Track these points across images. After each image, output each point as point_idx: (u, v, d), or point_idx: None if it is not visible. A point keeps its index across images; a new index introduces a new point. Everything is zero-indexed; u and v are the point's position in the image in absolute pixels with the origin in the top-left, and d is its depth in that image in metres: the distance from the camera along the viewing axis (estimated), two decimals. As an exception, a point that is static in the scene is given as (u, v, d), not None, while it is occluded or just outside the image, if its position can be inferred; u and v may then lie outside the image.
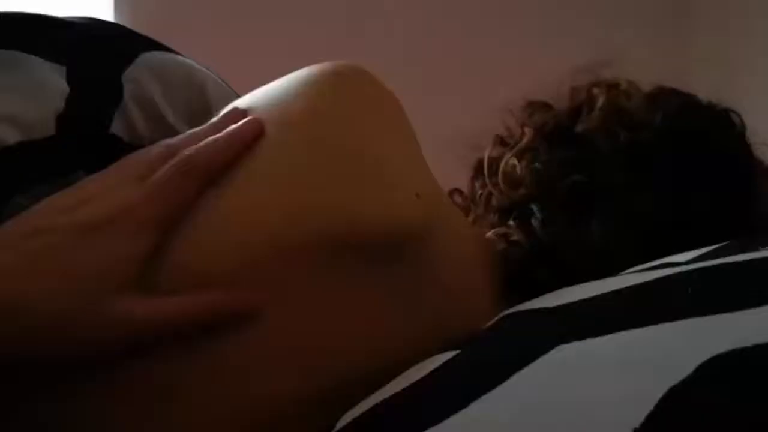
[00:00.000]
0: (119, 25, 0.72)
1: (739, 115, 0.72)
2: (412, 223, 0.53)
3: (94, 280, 0.46)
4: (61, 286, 0.45)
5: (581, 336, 0.41)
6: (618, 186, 0.64)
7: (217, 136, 0.52)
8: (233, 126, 0.53)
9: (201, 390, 0.49)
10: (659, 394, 0.34)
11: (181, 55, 0.69)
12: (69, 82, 0.58)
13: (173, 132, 0.65)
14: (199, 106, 0.67)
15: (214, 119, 0.55)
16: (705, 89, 0.74)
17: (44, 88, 0.58)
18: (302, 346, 0.50)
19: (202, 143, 0.51)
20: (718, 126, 0.70)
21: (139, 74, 0.62)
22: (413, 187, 0.54)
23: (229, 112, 0.55)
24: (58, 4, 2.05)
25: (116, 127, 0.62)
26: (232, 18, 2.07)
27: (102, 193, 0.49)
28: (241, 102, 0.63)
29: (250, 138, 0.52)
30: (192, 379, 0.49)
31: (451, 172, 0.73)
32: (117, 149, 0.62)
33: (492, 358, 0.45)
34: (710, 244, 0.51)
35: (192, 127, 0.65)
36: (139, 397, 0.48)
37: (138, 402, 0.49)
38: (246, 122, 0.53)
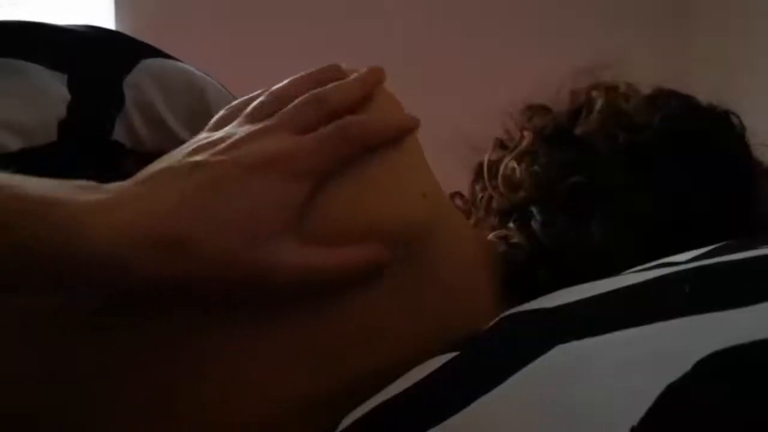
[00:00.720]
0: (119, 32, 0.72)
1: (738, 117, 0.72)
2: (417, 223, 0.53)
3: (260, 222, 0.46)
4: (227, 225, 0.45)
5: (580, 336, 0.41)
6: (617, 187, 0.64)
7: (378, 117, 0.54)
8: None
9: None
10: (657, 392, 0.34)
11: (181, 62, 0.69)
12: (70, 89, 0.59)
13: (175, 137, 0.65)
14: (200, 111, 0.67)
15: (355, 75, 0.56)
16: (705, 90, 0.74)
17: (45, 95, 0.58)
18: (313, 345, 0.50)
19: (362, 119, 0.53)
20: (718, 127, 0.70)
21: (139, 80, 0.63)
22: (420, 187, 0.55)
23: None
24: (59, 12, 2.07)
25: (118, 133, 0.62)
26: (232, 24, 2.07)
27: (252, 137, 0.49)
28: None
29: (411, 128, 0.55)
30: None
31: (451, 174, 0.74)
32: (119, 155, 0.63)
33: (492, 358, 0.45)
34: (710, 245, 0.51)
35: (193, 133, 0.66)
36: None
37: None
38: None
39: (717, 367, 0.34)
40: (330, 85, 0.54)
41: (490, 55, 2.12)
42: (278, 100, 0.53)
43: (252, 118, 0.52)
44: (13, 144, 0.56)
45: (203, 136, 0.51)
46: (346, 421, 0.47)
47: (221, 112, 0.55)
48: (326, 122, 0.51)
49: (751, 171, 0.70)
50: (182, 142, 0.65)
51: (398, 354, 0.51)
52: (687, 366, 0.35)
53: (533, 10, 2.20)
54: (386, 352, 0.52)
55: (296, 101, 0.52)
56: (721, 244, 0.51)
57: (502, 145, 0.73)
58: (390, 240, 0.51)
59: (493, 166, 0.71)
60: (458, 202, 0.75)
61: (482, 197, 0.71)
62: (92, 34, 0.66)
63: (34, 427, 0.48)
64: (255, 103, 0.53)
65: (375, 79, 0.56)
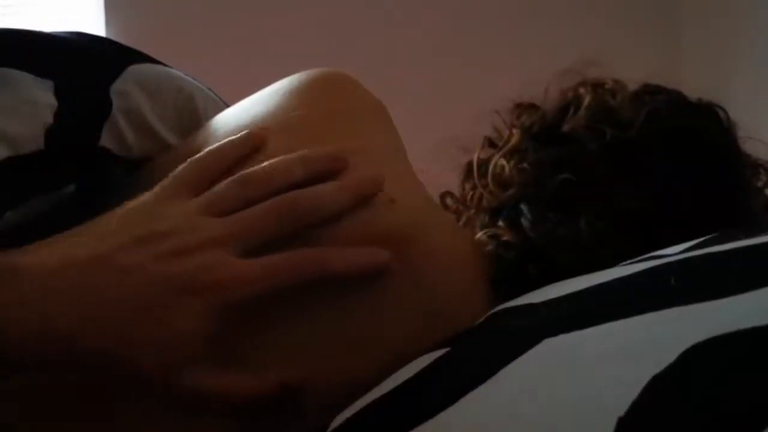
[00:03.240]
0: (106, 38, 0.72)
1: (725, 111, 0.72)
2: (388, 227, 0.54)
3: (177, 350, 0.45)
4: (146, 346, 0.45)
5: (567, 329, 0.41)
6: (605, 183, 0.64)
7: (336, 186, 0.51)
8: (355, 179, 0.52)
9: None
10: (643, 383, 0.34)
11: (170, 67, 0.69)
12: (57, 96, 0.59)
13: (163, 143, 0.65)
14: (188, 117, 0.67)
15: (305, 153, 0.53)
16: (694, 85, 0.75)
17: (32, 103, 0.58)
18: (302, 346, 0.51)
19: (317, 191, 0.50)
20: (705, 122, 0.71)
21: (127, 87, 0.63)
22: (387, 192, 0.55)
23: (332, 153, 0.53)
24: (48, 19, 2.07)
25: (105, 140, 0.62)
26: (221, 30, 2.08)
27: (194, 250, 0.46)
28: (229, 113, 0.64)
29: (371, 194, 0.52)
30: None
31: (445, 174, 0.74)
32: (107, 161, 0.63)
33: (480, 354, 0.45)
34: (699, 239, 0.52)
35: (181, 138, 0.66)
36: None
37: None
38: (371, 180, 0.52)
39: (702, 357, 0.35)
40: (305, 192, 0.50)
41: (480, 55, 2.13)
42: (243, 188, 0.50)
43: (207, 209, 0.49)
44: (0, 152, 0.56)
45: (144, 218, 0.49)
46: (337, 421, 0.47)
47: (184, 165, 0.52)
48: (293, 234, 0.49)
49: (738, 165, 0.70)
50: (170, 147, 0.66)
51: (388, 354, 0.51)
52: (672, 357, 0.35)
53: (523, 9, 2.21)
54: (375, 354, 0.52)
55: (268, 205, 0.49)
56: (709, 236, 0.51)
57: (491, 143, 0.73)
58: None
59: (483, 164, 0.71)
60: (449, 201, 0.75)
61: (472, 196, 0.71)
62: (79, 41, 0.66)
63: None
64: (217, 189, 0.50)
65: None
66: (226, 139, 0.55)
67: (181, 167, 0.52)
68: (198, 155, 0.53)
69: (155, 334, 0.45)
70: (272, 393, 0.47)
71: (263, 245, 0.48)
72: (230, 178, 0.50)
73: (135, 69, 0.64)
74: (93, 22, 2.03)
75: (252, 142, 0.54)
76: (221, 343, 0.46)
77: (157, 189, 0.51)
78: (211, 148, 0.54)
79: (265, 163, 0.51)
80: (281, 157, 0.51)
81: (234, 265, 0.46)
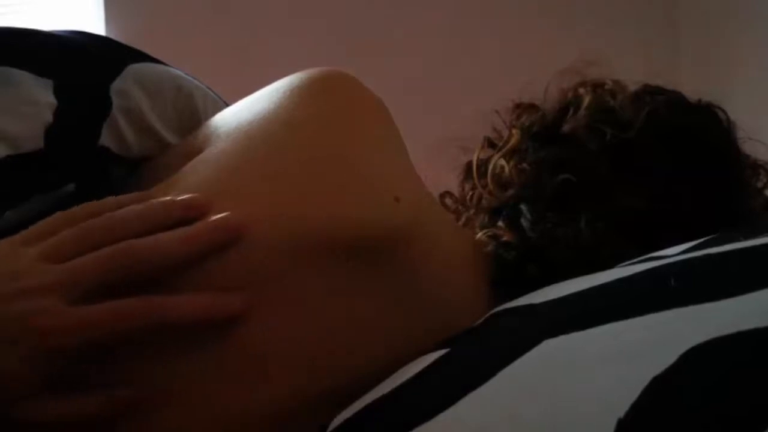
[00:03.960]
0: (106, 37, 0.72)
1: (724, 111, 0.72)
2: (390, 226, 0.54)
3: (8, 385, 0.45)
4: None
5: (566, 330, 0.41)
6: (605, 184, 0.64)
7: (180, 234, 0.50)
8: (208, 226, 0.50)
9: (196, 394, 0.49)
10: (643, 384, 0.34)
11: (170, 66, 0.69)
12: (56, 95, 0.59)
13: (162, 142, 0.65)
14: (188, 116, 0.67)
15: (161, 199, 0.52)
16: (694, 86, 0.75)
17: (32, 102, 0.58)
18: (290, 350, 0.51)
19: (156, 239, 0.49)
20: (705, 122, 0.71)
21: (126, 86, 0.63)
22: (391, 190, 0.55)
23: (185, 201, 0.52)
24: (48, 17, 2.07)
25: (105, 139, 0.62)
26: (221, 29, 2.08)
27: (29, 294, 0.46)
28: (229, 112, 0.64)
29: (223, 240, 0.50)
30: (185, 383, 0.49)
31: (444, 174, 0.74)
32: (106, 160, 0.63)
33: (480, 355, 0.45)
34: (699, 239, 0.52)
35: (181, 137, 0.66)
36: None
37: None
38: (226, 228, 0.51)
39: (701, 358, 0.35)
40: (141, 241, 0.49)
41: (480, 55, 2.13)
42: (84, 236, 0.50)
43: (47, 256, 0.49)
44: (0, 151, 0.56)
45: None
46: (337, 421, 0.47)
47: (31, 228, 0.52)
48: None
49: (738, 165, 0.70)
50: (170, 146, 0.66)
51: (388, 354, 0.51)
52: (672, 358, 0.35)
53: (523, 10, 2.21)
54: (376, 354, 0.52)
55: (101, 253, 0.48)
56: (709, 237, 0.51)
57: (490, 143, 0.73)
58: (365, 246, 0.52)
59: (482, 164, 0.71)
60: (448, 201, 0.75)
61: (472, 196, 0.71)
62: (79, 40, 0.66)
63: None
64: (59, 236, 0.50)
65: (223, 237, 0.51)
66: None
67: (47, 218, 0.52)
68: (68, 211, 0.52)
69: None
70: (119, 409, 0.48)
71: (107, 291, 0.48)
72: (74, 228, 0.50)
73: (135, 68, 0.64)
74: (92, 21, 2.03)
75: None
76: (65, 374, 0.47)
77: (21, 233, 0.51)
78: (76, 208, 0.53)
79: (107, 214, 0.51)
80: (124, 209, 0.51)
81: (58, 313, 0.46)
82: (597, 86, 0.72)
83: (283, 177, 0.54)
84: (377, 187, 0.55)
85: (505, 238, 0.64)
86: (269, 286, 0.50)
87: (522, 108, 0.74)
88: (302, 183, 0.53)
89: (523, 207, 0.65)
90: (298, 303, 0.51)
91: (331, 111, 0.58)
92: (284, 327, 0.50)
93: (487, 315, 0.51)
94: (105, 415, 0.48)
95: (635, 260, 0.50)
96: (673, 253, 0.49)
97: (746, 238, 0.46)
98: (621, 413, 0.33)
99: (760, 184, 0.71)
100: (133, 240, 0.49)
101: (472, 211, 0.71)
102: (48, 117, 0.58)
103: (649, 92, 0.71)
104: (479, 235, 0.66)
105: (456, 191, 0.75)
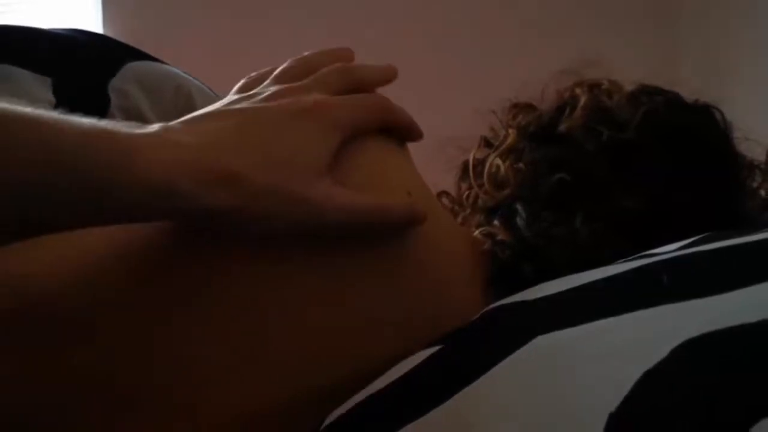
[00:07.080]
0: (104, 35, 0.72)
1: (721, 112, 0.72)
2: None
3: (306, 161, 0.49)
4: (278, 162, 0.48)
5: (559, 326, 0.41)
6: (601, 183, 0.64)
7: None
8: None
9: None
10: (634, 379, 0.34)
11: (168, 64, 0.70)
12: (55, 93, 0.59)
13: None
14: (185, 114, 0.67)
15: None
16: (691, 86, 0.75)
17: (31, 100, 0.58)
18: (284, 347, 0.51)
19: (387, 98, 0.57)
20: (701, 122, 0.71)
21: (124, 84, 0.63)
22: (405, 185, 0.55)
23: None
24: (46, 16, 2.07)
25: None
26: (219, 27, 2.08)
27: (288, 92, 0.53)
28: None
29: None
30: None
31: (439, 173, 0.74)
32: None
33: (473, 351, 0.46)
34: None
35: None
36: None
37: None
38: None
39: (693, 353, 0.35)
40: (356, 63, 0.58)
41: (479, 55, 2.13)
42: (306, 66, 0.56)
43: (281, 80, 0.55)
44: None
45: (234, 97, 0.54)
46: (331, 417, 0.47)
47: (242, 81, 0.58)
48: (353, 92, 0.55)
49: (735, 166, 0.70)
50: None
51: (383, 351, 0.52)
52: (663, 353, 0.35)
53: (522, 10, 2.21)
54: (371, 350, 0.52)
55: (325, 69, 0.56)
56: (703, 235, 0.51)
57: (487, 143, 0.74)
58: (371, 240, 0.52)
59: (479, 164, 0.71)
60: (445, 200, 0.75)
61: (468, 195, 0.71)
62: (77, 38, 0.66)
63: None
64: (284, 66, 0.57)
65: (392, 72, 0.60)
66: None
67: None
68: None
69: (282, 149, 0.49)
70: (399, 212, 0.53)
71: None
72: (333, 66, 0.57)
73: (133, 66, 0.65)
74: (90, 20, 2.03)
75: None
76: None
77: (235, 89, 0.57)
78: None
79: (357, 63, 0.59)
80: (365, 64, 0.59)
81: (326, 96, 0.53)
82: (593, 86, 0.72)
83: None
84: (393, 181, 0.56)
85: (500, 237, 0.64)
86: (279, 281, 0.51)
87: (519, 108, 0.74)
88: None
89: (518, 206, 0.65)
90: (296, 298, 0.51)
91: None
92: (280, 323, 0.51)
93: (481, 312, 0.52)
94: (407, 220, 0.53)
95: (628, 258, 0.50)
96: (666, 251, 0.49)
97: (738, 235, 0.46)
98: (612, 407, 0.34)
99: (755, 185, 0.71)
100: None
101: (468, 211, 0.71)
102: None
103: (646, 92, 0.71)
104: (475, 233, 0.66)
105: (453, 191, 0.76)
